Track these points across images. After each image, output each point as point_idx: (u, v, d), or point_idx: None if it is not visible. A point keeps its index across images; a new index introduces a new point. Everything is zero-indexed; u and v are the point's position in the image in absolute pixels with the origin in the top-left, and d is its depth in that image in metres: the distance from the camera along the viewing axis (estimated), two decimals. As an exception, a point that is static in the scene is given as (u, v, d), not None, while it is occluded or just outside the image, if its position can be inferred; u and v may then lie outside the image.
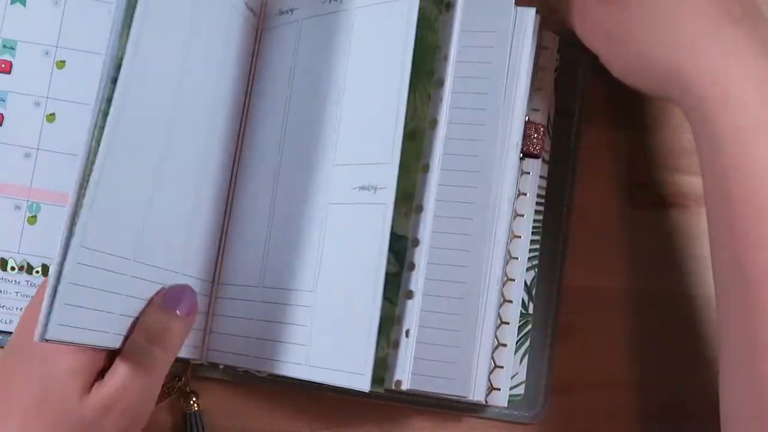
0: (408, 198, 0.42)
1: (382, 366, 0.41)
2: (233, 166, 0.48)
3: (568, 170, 0.50)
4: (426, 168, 0.42)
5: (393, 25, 0.43)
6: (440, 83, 0.43)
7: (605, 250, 0.50)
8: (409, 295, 0.41)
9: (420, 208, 0.42)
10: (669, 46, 0.40)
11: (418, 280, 0.41)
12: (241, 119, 0.48)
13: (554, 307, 0.49)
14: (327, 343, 0.42)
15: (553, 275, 0.49)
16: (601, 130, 0.51)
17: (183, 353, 0.45)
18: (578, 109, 0.50)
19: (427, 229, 0.42)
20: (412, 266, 0.42)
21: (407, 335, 0.41)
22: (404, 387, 0.41)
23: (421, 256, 0.41)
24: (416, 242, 0.42)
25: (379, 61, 0.43)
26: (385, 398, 0.48)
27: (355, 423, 0.49)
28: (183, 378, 0.48)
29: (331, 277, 0.42)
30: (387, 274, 0.40)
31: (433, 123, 0.42)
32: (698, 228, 0.50)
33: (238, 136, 0.48)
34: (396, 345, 0.41)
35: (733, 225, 0.38)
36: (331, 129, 0.44)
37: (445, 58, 0.43)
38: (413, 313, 0.41)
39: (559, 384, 0.49)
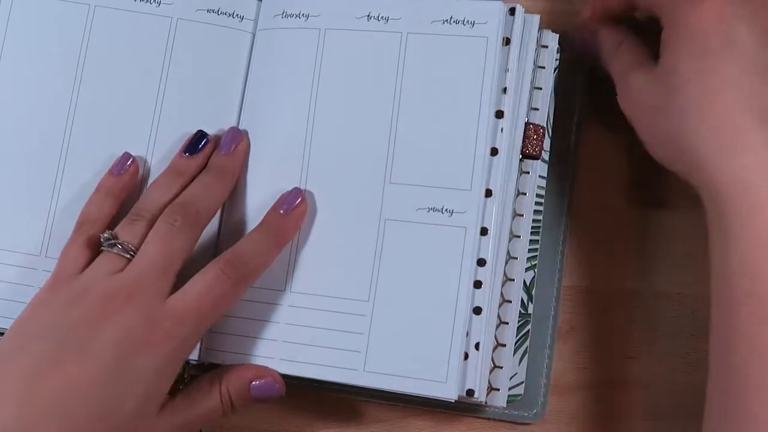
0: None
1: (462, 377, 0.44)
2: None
3: (567, 170, 0.50)
4: (489, 193, 0.45)
5: (469, 57, 0.46)
6: (500, 114, 0.45)
7: (605, 250, 0.50)
8: (477, 310, 0.44)
9: (485, 231, 0.44)
10: (698, 134, 0.40)
11: (485, 297, 0.44)
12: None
13: (554, 307, 0.49)
14: (395, 351, 0.44)
15: (553, 275, 0.49)
16: (601, 129, 0.51)
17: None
18: (578, 108, 0.50)
19: (491, 249, 0.44)
20: (479, 284, 0.44)
21: (477, 348, 0.44)
22: (476, 396, 0.43)
23: (486, 274, 0.44)
24: (482, 262, 0.44)
25: (452, 90, 0.46)
26: (385, 398, 0.48)
27: (356, 423, 0.49)
28: (185, 377, 0.48)
29: (394, 288, 0.45)
30: None
31: (494, 151, 0.45)
32: (697, 228, 0.50)
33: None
34: (466, 356, 0.44)
35: (733, 320, 0.38)
36: (381, 148, 0.46)
37: (504, 91, 0.46)
38: (482, 327, 0.44)
39: (558, 384, 0.48)
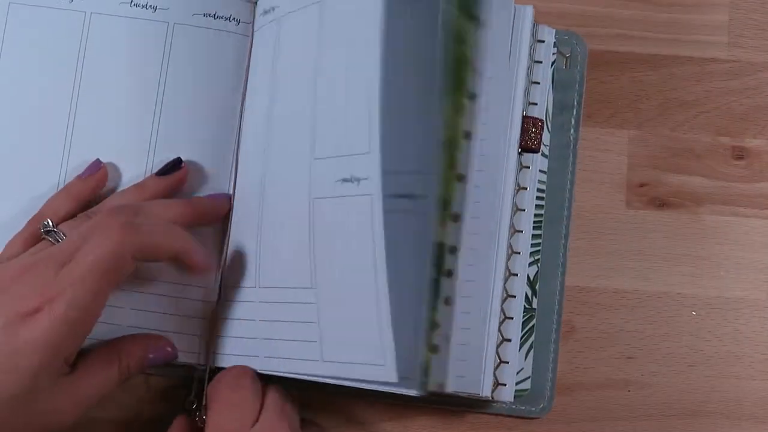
0: (445, 206, 0.43)
1: (425, 370, 0.41)
2: (231, 172, 0.49)
3: (567, 164, 0.50)
4: (461, 178, 0.43)
5: (362, 15, 0.43)
6: (473, 97, 0.43)
7: (605, 249, 0.50)
8: (448, 301, 0.42)
9: (457, 217, 0.43)
10: None
11: (455, 287, 0.42)
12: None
13: (557, 301, 0.49)
14: (341, 338, 0.41)
15: (556, 269, 0.49)
16: (600, 128, 0.51)
17: (185, 359, 0.46)
18: (576, 102, 0.50)
19: (463, 236, 0.42)
20: (449, 273, 0.42)
21: (447, 340, 0.42)
22: (447, 389, 0.41)
23: (458, 263, 0.42)
24: (453, 250, 0.42)
25: (353, 53, 0.43)
26: (388, 396, 0.48)
27: (358, 421, 0.49)
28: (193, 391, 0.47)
29: (329, 271, 0.42)
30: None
31: (467, 135, 0.43)
32: (697, 228, 0.50)
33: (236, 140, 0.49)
34: (436, 350, 0.42)
35: None
36: (307, 123, 0.44)
37: (478, 73, 0.44)
38: (452, 318, 0.42)
39: (559, 384, 0.48)
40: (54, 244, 0.43)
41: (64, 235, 0.43)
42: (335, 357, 0.42)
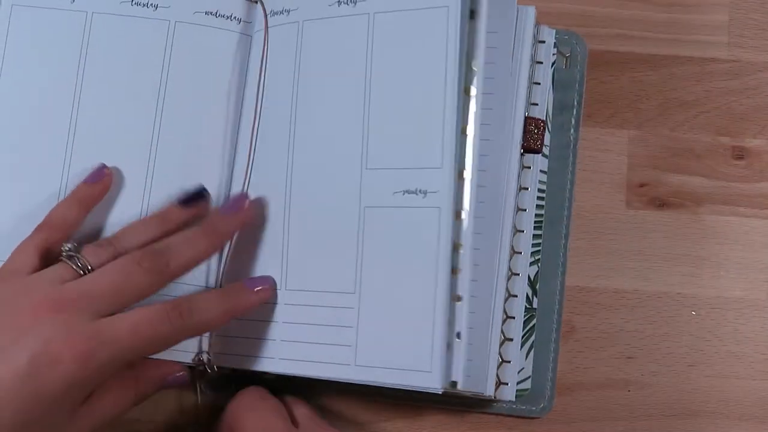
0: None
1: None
2: (246, 173, 0.48)
3: (567, 164, 0.50)
4: (461, 175, 0.43)
5: (430, 30, 0.44)
6: (468, 92, 0.43)
7: (605, 249, 0.50)
8: (457, 298, 0.42)
9: (458, 214, 0.43)
10: None
11: (464, 284, 0.42)
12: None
13: (558, 300, 0.49)
14: (383, 343, 0.42)
15: (556, 269, 0.49)
16: (600, 128, 0.51)
17: (184, 358, 0.46)
18: (576, 102, 0.50)
19: (468, 234, 0.43)
20: (455, 271, 0.42)
21: (458, 337, 0.42)
22: (459, 387, 0.42)
23: (464, 260, 0.42)
24: (458, 247, 0.43)
25: (417, 67, 0.44)
26: (389, 396, 0.47)
27: (358, 421, 0.49)
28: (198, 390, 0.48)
29: (377, 278, 0.43)
30: None
31: (464, 131, 0.43)
32: (697, 228, 0.50)
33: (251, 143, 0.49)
34: (449, 347, 0.42)
35: None
36: (357, 134, 0.45)
37: (473, 68, 0.44)
38: (462, 315, 0.42)
39: (559, 384, 0.48)
40: (74, 269, 0.42)
41: (88, 263, 0.42)
42: (370, 362, 0.42)
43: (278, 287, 0.45)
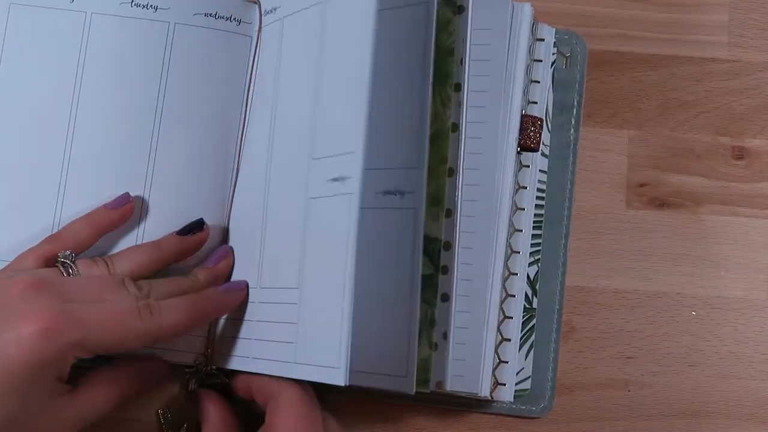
0: (436, 202, 0.43)
1: (425, 368, 0.42)
2: (232, 176, 0.49)
3: (567, 164, 0.50)
4: (451, 172, 0.43)
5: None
6: (457, 87, 0.43)
7: (605, 249, 0.50)
8: (445, 297, 0.42)
9: (450, 212, 0.43)
10: None
11: (452, 283, 0.42)
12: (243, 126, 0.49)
13: (558, 300, 0.49)
14: (315, 340, 0.40)
15: (556, 269, 0.49)
16: (600, 128, 0.51)
17: (184, 359, 0.46)
18: (576, 102, 0.50)
19: (457, 232, 0.43)
20: (445, 269, 0.42)
21: (445, 337, 0.42)
22: (447, 388, 0.41)
23: (453, 259, 0.42)
24: (448, 245, 0.43)
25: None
26: (389, 396, 0.48)
27: (360, 421, 0.49)
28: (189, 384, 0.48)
29: (314, 272, 0.41)
30: (423, 275, 0.41)
31: (454, 127, 0.43)
32: (697, 228, 0.50)
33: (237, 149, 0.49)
34: (435, 347, 0.42)
35: None
36: (306, 124, 0.43)
37: (461, 62, 0.44)
38: (450, 315, 0.42)
39: (559, 384, 0.49)
40: (63, 275, 0.43)
41: (78, 272, 0.43)
42: (307, 359, 0.40)
43: (256, 286, 0.45)
